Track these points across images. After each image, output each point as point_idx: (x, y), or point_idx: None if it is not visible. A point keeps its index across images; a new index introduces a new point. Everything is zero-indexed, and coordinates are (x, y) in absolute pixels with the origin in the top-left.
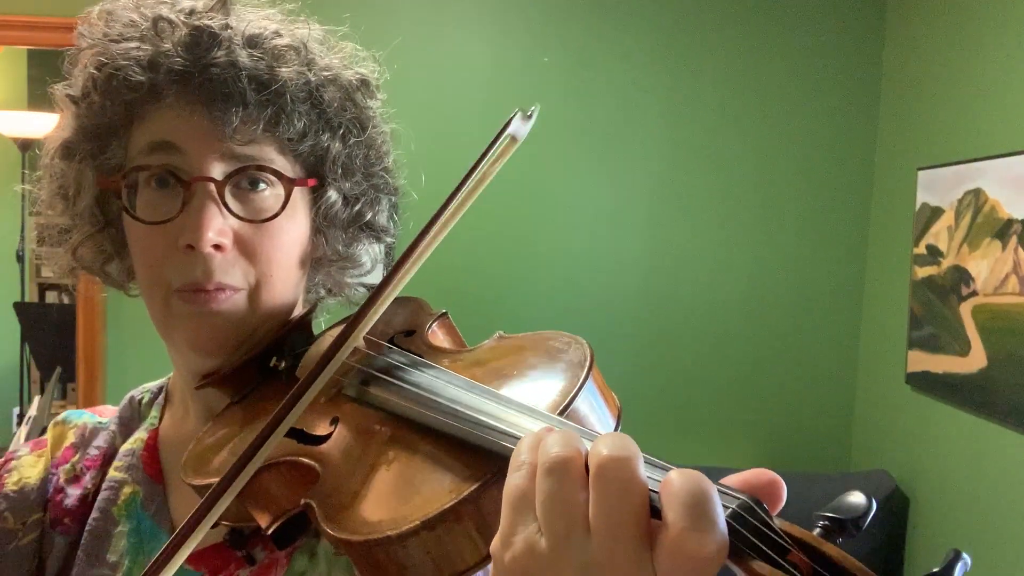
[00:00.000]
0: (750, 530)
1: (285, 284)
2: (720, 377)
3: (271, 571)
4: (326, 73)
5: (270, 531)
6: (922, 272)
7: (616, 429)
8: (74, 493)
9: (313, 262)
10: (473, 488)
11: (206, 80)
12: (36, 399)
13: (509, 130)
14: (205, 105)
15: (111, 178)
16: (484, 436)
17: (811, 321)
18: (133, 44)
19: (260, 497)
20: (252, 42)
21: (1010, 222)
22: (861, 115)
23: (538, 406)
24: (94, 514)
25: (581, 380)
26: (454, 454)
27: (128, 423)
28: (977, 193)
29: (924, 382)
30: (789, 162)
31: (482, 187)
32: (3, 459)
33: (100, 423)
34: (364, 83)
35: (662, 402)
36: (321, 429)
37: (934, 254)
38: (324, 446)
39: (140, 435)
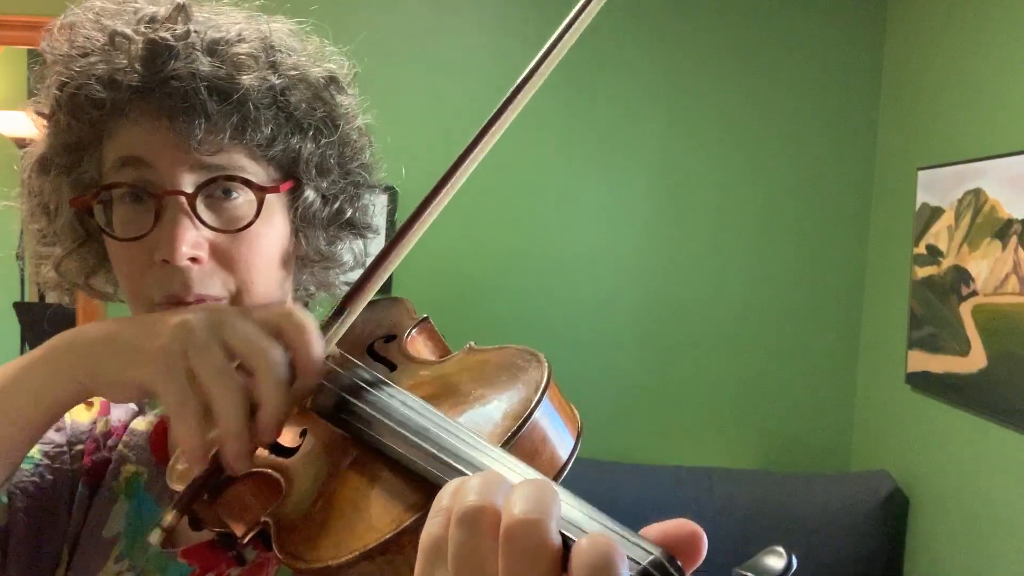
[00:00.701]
0: None
1: (267, 288)
2: (720, 377)
3: (262, 570)
4: (292, 73)
5: (245, 540)
6: (922, 272)
7: (575, 447)
8: (102, 454)
9: (296, 262)
10: (413, 519)
11: (166, 94)
12: None
13: None
14: (168, 118)
15: (84, 196)
16: (425, 466)
17: (811, 321)
18: (93, 59)
19: (234, 507)
20: (211, 50)
21: (1010, 222)
22: (861, 115)
23: (489, 431)
24: (102, 488)
25: (534, 404)
26: (403, 481)
27: (140, 404)
28: (977, 193)
29: (924, 382)
30: (789, 162)
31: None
32: None
33: None
34: (332, 80)
35: (661, 402)
36: (291, 440)
37: (934, 254)
38: (291, 460)
39: (150, 417)
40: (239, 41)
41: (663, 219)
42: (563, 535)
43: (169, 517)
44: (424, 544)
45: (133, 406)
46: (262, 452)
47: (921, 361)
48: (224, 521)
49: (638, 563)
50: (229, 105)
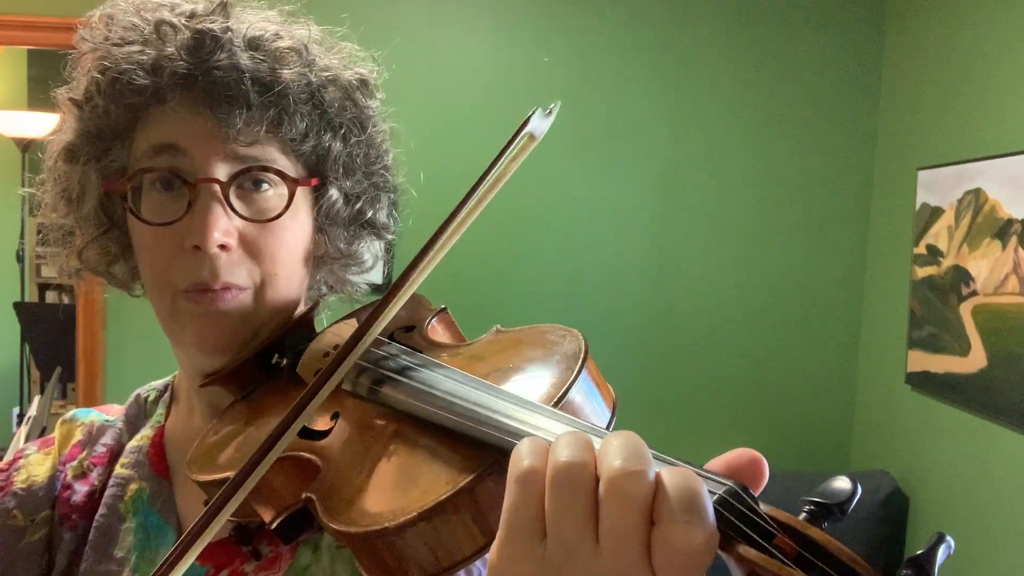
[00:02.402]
0: (737, 516)
1: (289, 282)
2: (720, 377)
3: (276, 565)
4: (326, 74)
5: (273, 525)
6: (922, 272)
7: (612, 420)
8: (81, 490)
9: (315, 260)
10: (469, 479)
11: (209, 83)
12: (36, 399)
13: (528, 128)
14: (209, 107)
15: (116, 181)
16: (479, 429)
17: (811, 321)
18: (136, 48)
19: (263, 492)
20: (253, 44)
21: (1010, 222)
22: (861, 115)
23: (533, 398)
24: (101, 510)
25: (575, 372)
26: (452, 447)
27: (134, 421)
28: (977, 193)
29: (924, 382)
30: (789, 162)
31: (499, 186)
32: (12, 458)
33: (107, 421)
34: (363, 83)
35: (662, 402)
36: (322, 424)
37: (934, 254)
38: (325, 441)
39: (146, 432)
40: (278, 38)
41: (663, 219)
42: None
43: None
44: (510, 515)
45: (119, 426)
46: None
47: (921, 361)
48: (252, 508)
49: (714, 493)
50: (270, 97)
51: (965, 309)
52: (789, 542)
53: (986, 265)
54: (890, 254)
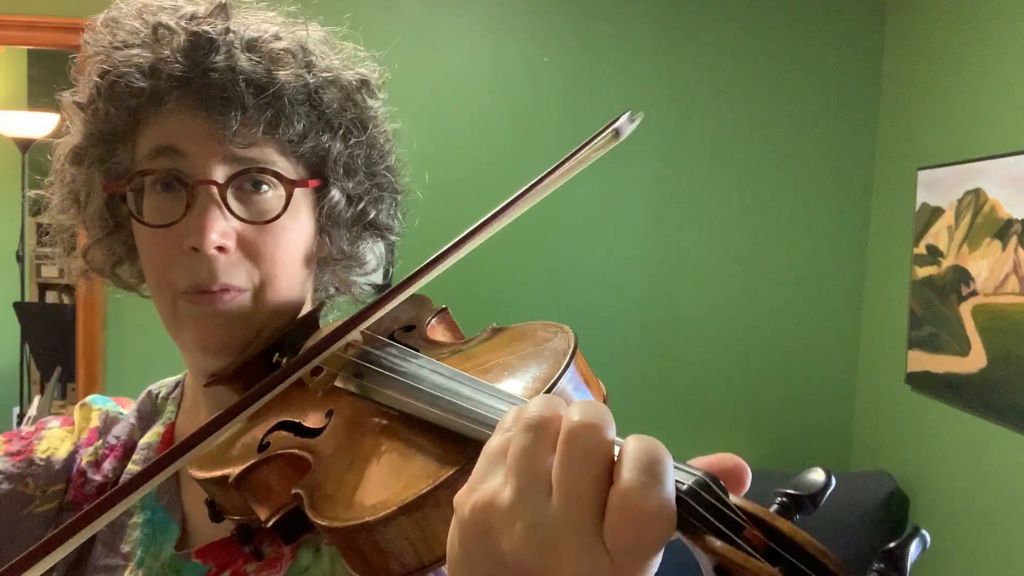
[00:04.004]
0: (704, 506)
1: (290, 283)
2: (720, 377)
3: (277, 565)
4: (326, 74)
5: (269, 524)
6: (922, 272)
7: None
8: (95, 480)
9: (319, 261)
10: (449, 474)
11: (205, 85)
12: (36, 399)
13: (615, 125)
14: (205, 109)
15: (117, 183)
16: (461, 423)
17: (811, 321)
18: (135, 51)
19: (259, 490)
20: (250, 46)
21: (1010, 222)
22: (861, 115)
23: (519, 393)
24: None
25: (563, 367)
26: (437, 442)
27: (147, 417)
28: (977, 193)
29: (924, 382)
30: (789, 162)
31: (567, 176)
32: (35, 426)
33: (120, 413)
34: (364, 83)
35: (662, 401)
36: (317, 422)
37: (934, 254)
38: (318, 439)
39: (158, 429)
40: (276, 39)
41: (664, 219)
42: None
43: None
44: (488, 451)
45: (132, 420)
46: (287, 435)
47: (921, 361)
48: (249, 507)
49: (683, 483)
50: (265, 99)
51: (965, 309)
52: (758, 534)
53: (986, 265)
54: (890, 254)
